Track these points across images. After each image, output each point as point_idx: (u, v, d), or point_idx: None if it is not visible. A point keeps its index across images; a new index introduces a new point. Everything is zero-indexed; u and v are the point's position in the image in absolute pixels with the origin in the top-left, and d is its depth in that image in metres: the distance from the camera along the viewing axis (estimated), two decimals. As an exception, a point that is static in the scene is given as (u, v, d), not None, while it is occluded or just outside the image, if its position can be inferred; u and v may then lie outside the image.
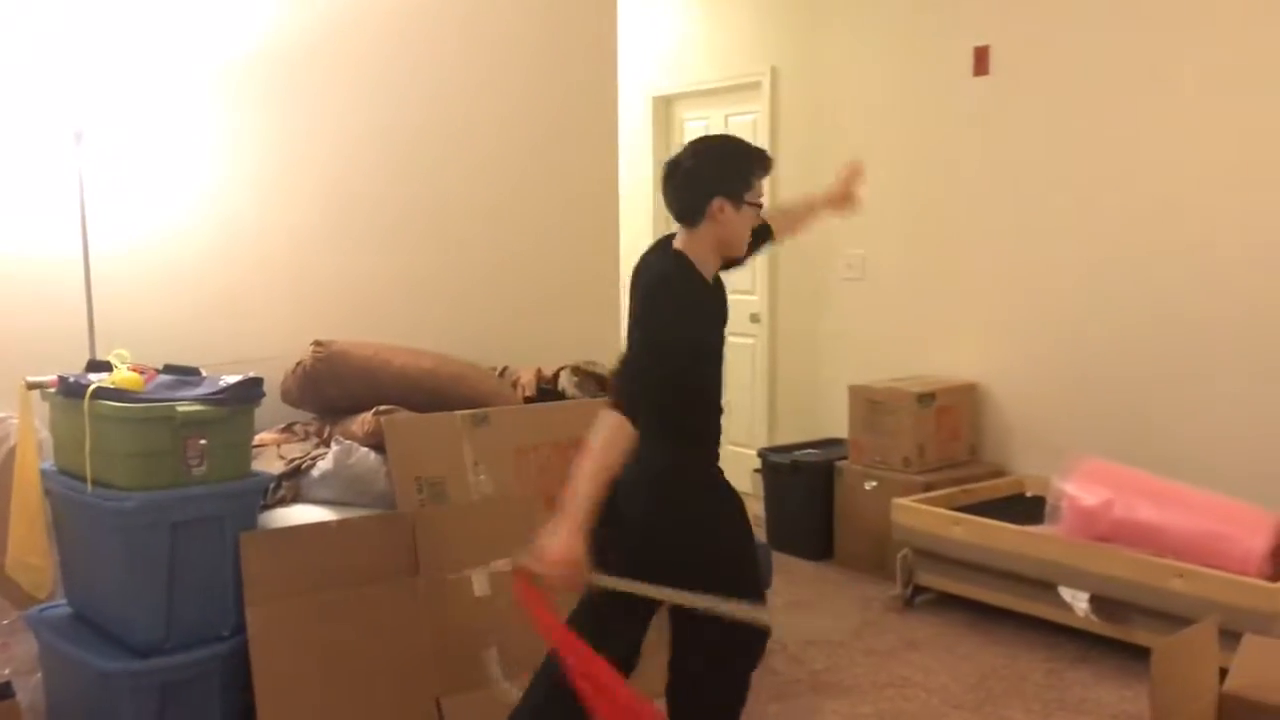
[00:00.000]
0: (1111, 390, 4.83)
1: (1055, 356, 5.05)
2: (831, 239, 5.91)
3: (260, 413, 3.29)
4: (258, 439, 3.63)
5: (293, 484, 3.60)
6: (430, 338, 4.31)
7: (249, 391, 3.17)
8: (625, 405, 2.54)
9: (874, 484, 5.10)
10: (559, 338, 4.68)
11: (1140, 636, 3.89)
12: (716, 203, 2.69)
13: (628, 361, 2.63)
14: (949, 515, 4.50)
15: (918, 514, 4.61)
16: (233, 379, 3.17)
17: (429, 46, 4.58)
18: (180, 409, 3.00)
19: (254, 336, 4.10)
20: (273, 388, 3.57)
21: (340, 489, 3.56)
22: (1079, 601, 4.05)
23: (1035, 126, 5.05)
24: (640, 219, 6.60)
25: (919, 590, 4.68)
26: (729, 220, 2.71)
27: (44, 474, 3.23)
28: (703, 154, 2.76)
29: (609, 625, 2.72)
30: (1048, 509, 4.26)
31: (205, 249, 4.08)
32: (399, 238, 4.55)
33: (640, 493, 2.77)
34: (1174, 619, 3.63)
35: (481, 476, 3.60)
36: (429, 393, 3.84)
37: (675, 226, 2.80)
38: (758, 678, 3.00)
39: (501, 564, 3.37)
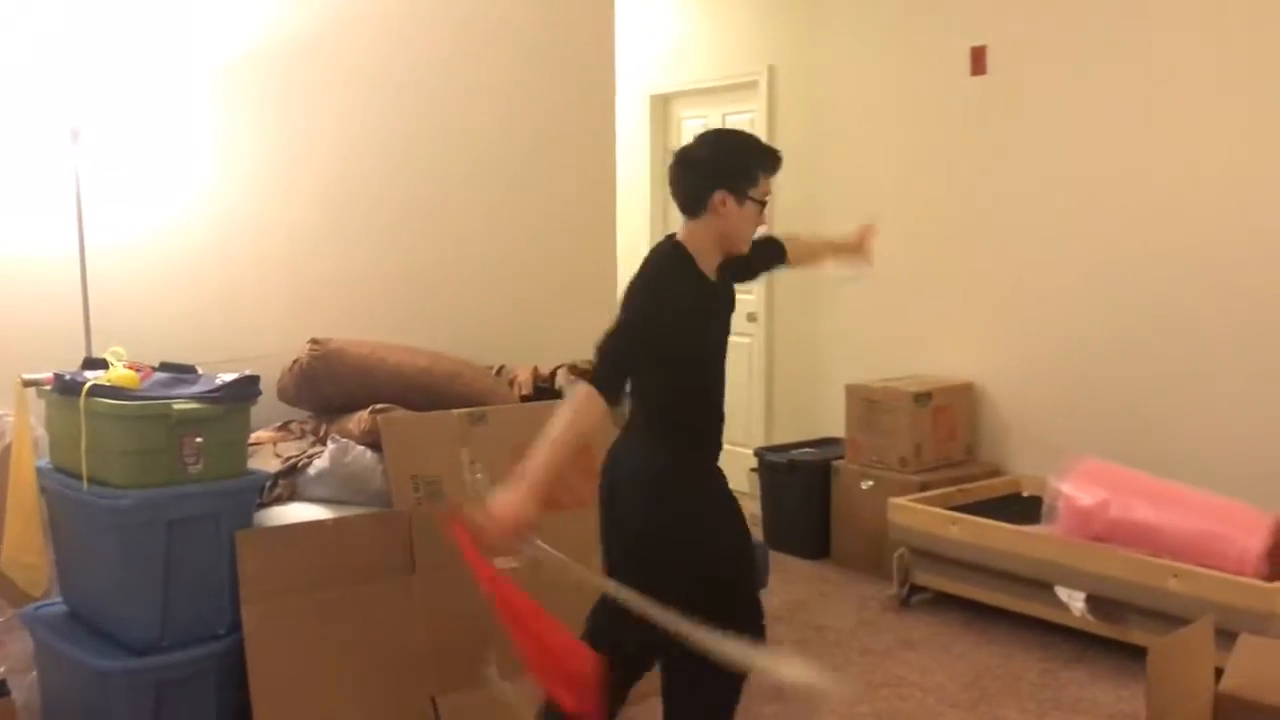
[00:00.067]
0: (1108, 390, 4.84)
1: (1052, 356, 5.05)
2: (827, 237, 5.91)
3: (256, 411, 3.29)
4: (254, 437, 3.63)
5: (289, 482, 3.59)
6: (427, 336, 4.30)
7: (245, 389, 3.17)
8: (595, 379, 2.57)
9: (871, 483, 5.10)
10: (556, 336, 4.67)
11: (1136, 636, 3.89)
12: (719, 195, 2.68)
13: (603, 338, 2.64)
14: (945, 515, 4.50)
15: (914, 513, 4.61)
16: (229, 377, 3.16)
17: (426, 45, 4.58)
18: (176, 407, 3.00)
19: (250, 334, 4.09)
20: (269, 386, 3.57)
21: (336, 487, 3.55)
22: (1075, 601, 4.05)
23: (1032, 126, 5.05)
24: (638, 218, 6.61)
25: (915, 590, 4.68)
26: (730, 214, 2.70)
27: (40, 472, 3.23)
28: (711, 145, 2.76)
29: (619, 624, 2.71)
30: (1044, 509, 4.26)
31: (202, 247, 4.07)
32: (396, 236, 4.54)
33: (641, 493, 2.77)
34: (1170, 619, 3.63)
35: (478, 475, 3.60)
36: (425, 391, 3.83)
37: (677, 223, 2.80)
38: (754, 677, 3.00)
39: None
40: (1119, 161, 4.76)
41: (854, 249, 3.34)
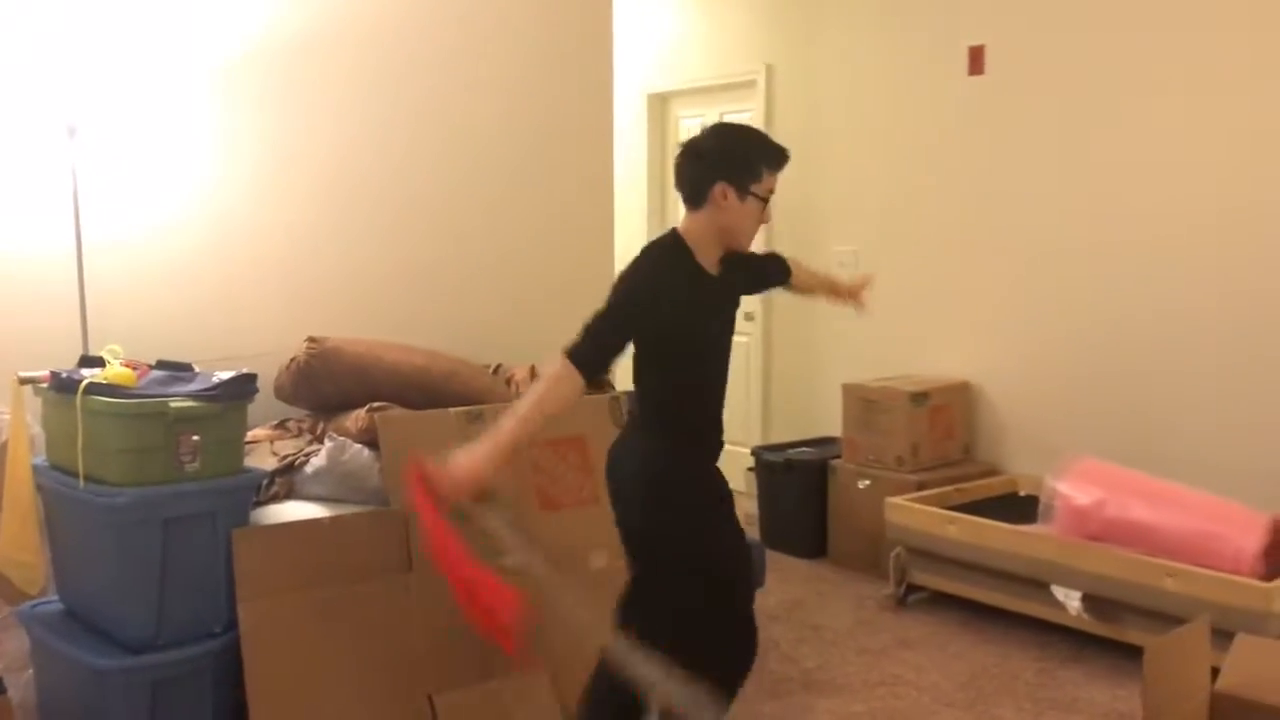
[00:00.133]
0: (1105, 389, 4.84)
1: (1049, 356, 5.06)
2: (824, 236, 5.92)
3: (253, 409, 3.28)
4: (251, 435, 3.63)
5: (286, 480, 3.59)
6: (424, 335, 4.30)
7: (242, 387, 3.16)
8: (573, 354, 2.59)
9: (867, 483, 5.11)
10: (553, 335, 4.61)
11: (1132, 636, 3.89)
12: (720, 187, 2.69)
13: (590, 318, 2.65)
14: (942, 514, 4.51)
15: (911, 513, 4.61)
16: (226, 375, 3.16)
17: (424, 43, 4.57)
18: (173, 405, 2.99)
19: (247, 332, 4.09)
20: (266, 384, 3.56)
21: (333, 486, 3.55)
22: (1071, 600, 4.05)
23: (1030, 126, 5.05)
24: (636, 217, 6.61)
25: (912, 589, 4.68)
26: (731, 207, 2.70)
27: (36, 469, 3.22)
28: (717, 137, 2.76)
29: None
30: (1041, 508, 4.26)
31: (199, 244, 4.07)
32: (393, 235, 4.54)
33: (639, 492, 2.78)
34: (1166, 618, 3.63)
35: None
36: (422, 390, 3.83)
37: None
38: (751, 677, 3.00)
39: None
40: (1117, 161, 4.76)
41: (849, 295, 3.34)
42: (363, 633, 3.22)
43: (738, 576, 2.88)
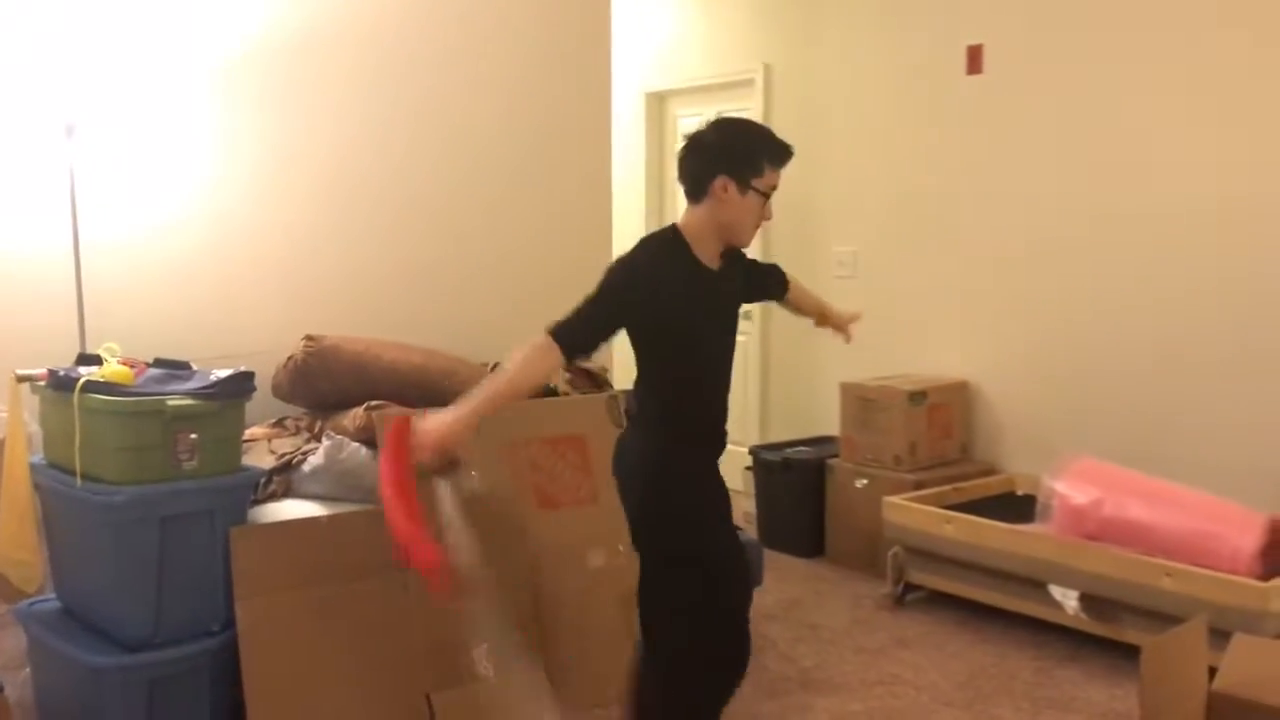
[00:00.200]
0: (1102, 389, 4.84)
1: (1047, 355, 5.06)
2: (824, 236, 5.93)
3: (251, 407, 3.28)
4: (248, 433, 3.62)
5: (283, 479, 3.59)
6: (422, 333, 4.30)
7: (240, 386, 3.16)
8: (555, 330, 2.59)
9: (865, 482, 5.11)
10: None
11: (1130, 635, 3.90)
12: (720, 181, 2.68)
13: (579, 302, 2.66)
14: (940, 513, 4.51)
15: (909, 512, 4.61)
16: (224, 373, 3.16)
17: (423, 43, 4.57)
18: (170, 403, 2.99)
19: (245, 331, 4.09)
20: (264, 382, 3.56)
21: (331, 484, 3.55)
22: (1069, 600, 4.05)
23: (1028, 126, 5.06)
24: (634, 215, 6.60)
25: (910, 588, 4.68)
26: (731, 201, 2.69)
27: (33, 468, 3.22)
28: (720, 130, 2.75)
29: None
30: (1038, 507, 4.26)
31: (197, 243, 4.07)
32: (391, 234, 4.54)
33: (636, 488, 2.78)
34: (1163, 617, 3.64)
35: (473, 473, 3.59)
36: (420, 388, 3.83)
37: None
38: (748, 676, 3.00)
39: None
40: (1115, 160, 4.76)
41: (837, 325, 3.33)
42: (360, 631, 3.22)
43: (732, 576, 2.87)
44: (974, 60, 5.23)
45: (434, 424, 2.57)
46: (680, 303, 2.68)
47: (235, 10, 4.08)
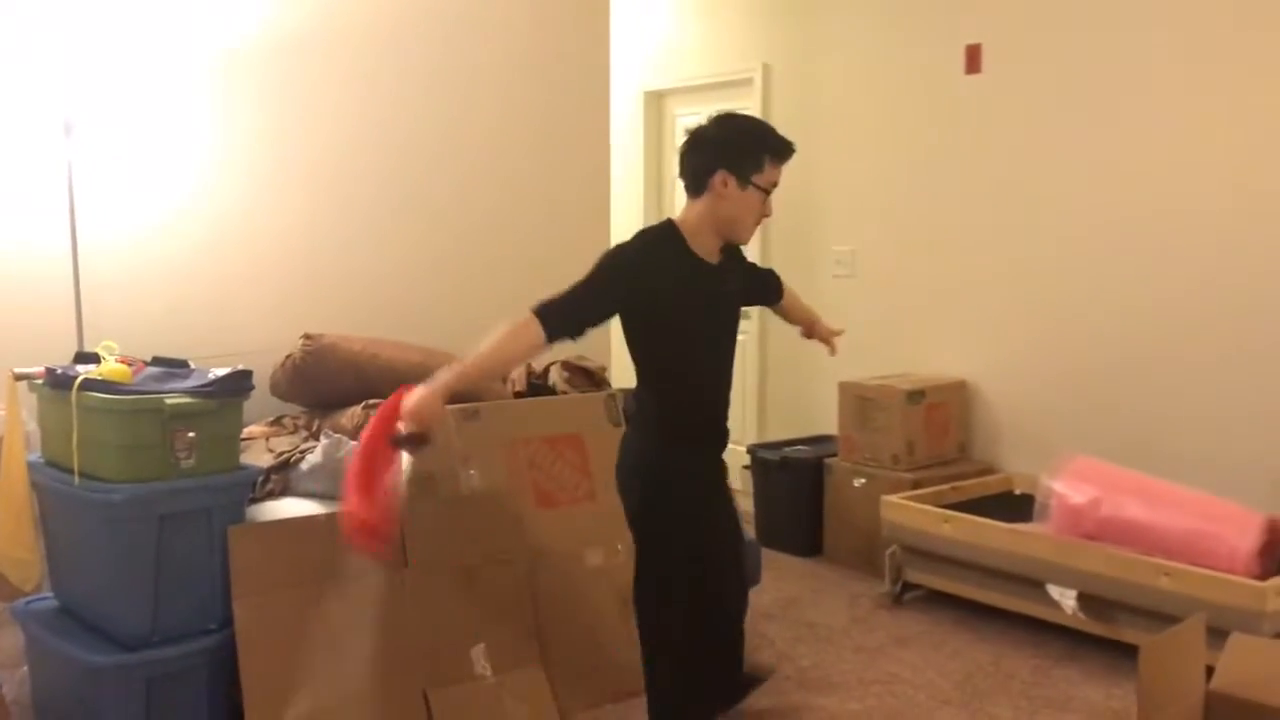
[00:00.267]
0: (1101, 388, 4.84)
1: (1045, 354, 5.06)
2: (822, 235, 5.93)
3: (249, 406, 3.28)
4: (246, 432, 3.62)
5: (281, 477, 3.59)
6: (420, 332, 4.30)
7: (238, 384, 3.16)
8: (540, 309, 2.61)
9: (863, 481, 5.11)
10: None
11: (1127, 634, 3.90)
12: (720, 175, 2.67)
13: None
14: (938, 512, 4.51)
15: (907, 511, 4.61)
16: (222, 371, 3.16)
17: (422, 41, 4.57)
18: (168, 401, 2.99)
19: (243, 329, 4.09)
20: (262, 381, 3.56)
21: (329, 482, 3.55)
22: (1067, 599, 4.05)
23: (1026, 125, 5.06)
24: (632, 214, 6.60)
25: (908, 587, 4.68)
26: (730, 196, 2.68)
27: (31, 466, 3.22)
28: (721, 125, 2.75)
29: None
30: (1036, 507, 4.26)
31: (195, 241, 4.07)
32: (389, 232, 4.54)
33: (636, 485, 2.78)
34: (1161, 617, 3.64)
35: (471, 471, 3.60)
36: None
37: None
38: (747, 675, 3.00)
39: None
40: (1114, 159, 4.76)
41: (823, 337, 3.33)
42: (358, 629, 3.21)
43: (729, 576, 2.87)
44: (972, 60, 5.23)
45: (413, 398, 2.59)
46: (675, 293, 2.68)
47: (233, 9, 4.08)
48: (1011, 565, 4.23)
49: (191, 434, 3.03)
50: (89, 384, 2.96)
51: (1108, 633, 4.00)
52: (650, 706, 2.86)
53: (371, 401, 3.67)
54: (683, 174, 2.76)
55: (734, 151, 2.68)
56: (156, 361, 3.24)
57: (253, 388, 3.22)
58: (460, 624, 3.37)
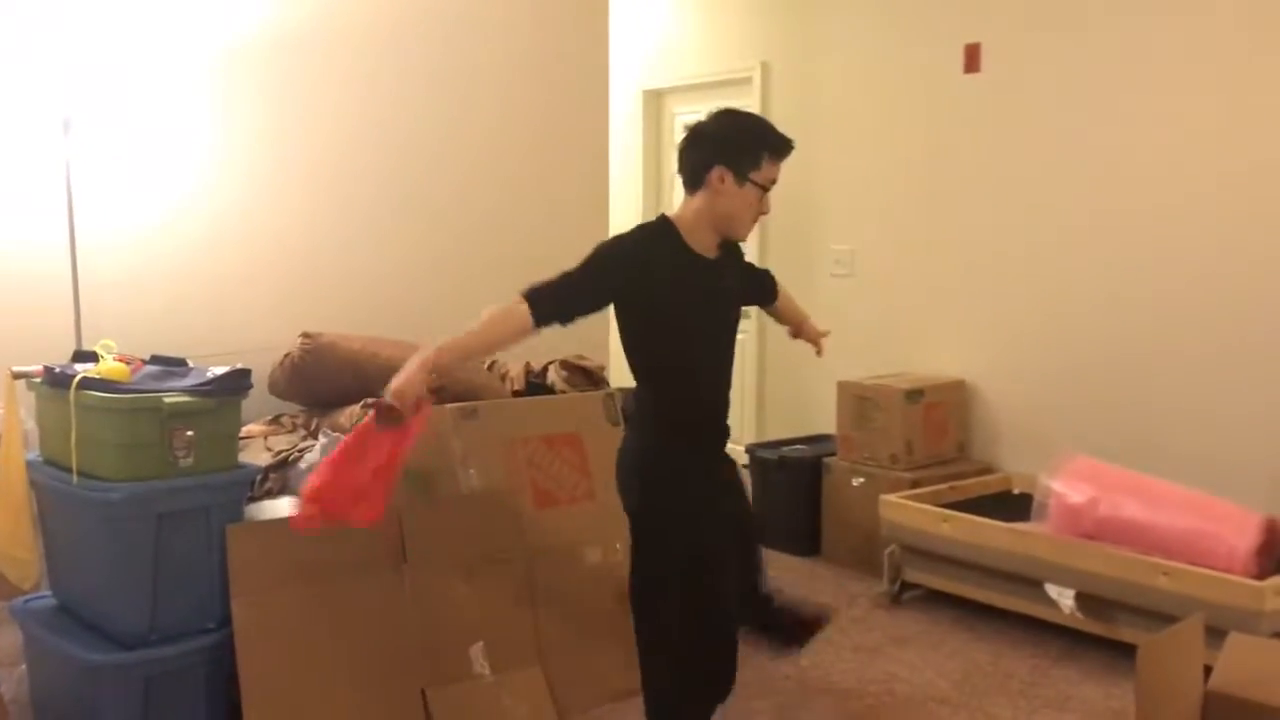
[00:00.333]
0: (1100, 388, 4.85)
1: (1044, 354, 5.06)
2: (821, 235, 5.93)
3: (248, 404, 3.28)
4: (245, 431, 3.62)
5: (280, 476, 3.58)
6: (419, 331, 4.27)
7: (236, 383, 3.16)
8: (529, 292, 2.62)
9: (862, 480, 5.11)
10: (547, 332, 4.65)
11: (1126, 634, 3.90)
12: (717, 171, 2.67)
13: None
14: (936, 512, 4.51)
15: (905, 510, 4.61)
16: (220, 370, 3.15)
17: (421, 41, 4.57)
18: (167, 400, 2.99)
19: (242, 328, 4.08)
20: (260, 379, 3.56)
21: (327, 481, 3.54)
22: (1065, 598, 4.06)
23: (1025, 124, 5.06)
24: (630, 213, 6.60)
25: (906, 586, 4.68)
26: (727, 192, 2.68)
27: (29, 465, 3.21)
28: (720, 120, 2.74)
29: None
30: (1035, 506, 4.26)
31: (194, 240, 4.06)
32: (388, 231, 4.54)
33: (633, 480, 2.78)
34: (1160, 616, 3.64)
35: (470, 470, 3.59)
36: (417, 385, 3.82)
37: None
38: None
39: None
40: (1113, 159, 4.77)
41: (811, 338, 3.32)
42: (356, 628, 3.22)
43: (726, 575, 2.87)
44: (971, 59, 5.23)
45: (399, 378, 2.61)
46: (671, 287, 2.67)
47: (233, 8, 4.08)
48: (1010, 565, 4.23)
49: (190, 433, 3.03)
50: (87, 382, 2.96)
51: (1106, 632, 4.00)
52: (646, 705, 2.85)
53: (370, 400, 3.66)
54: (681, 169, 2.76)
55: (732, 147, 2.67)
56: (155, 360, 3.23)
57: (251, 386, 3.22)
58: (459, 623, 3.37)
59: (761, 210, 2.74)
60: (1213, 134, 4.45)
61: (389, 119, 4.50)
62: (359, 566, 3.26)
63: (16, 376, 3.20)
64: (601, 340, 4.49)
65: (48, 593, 3.34)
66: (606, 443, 3.30)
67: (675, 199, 2.85)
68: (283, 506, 3.45)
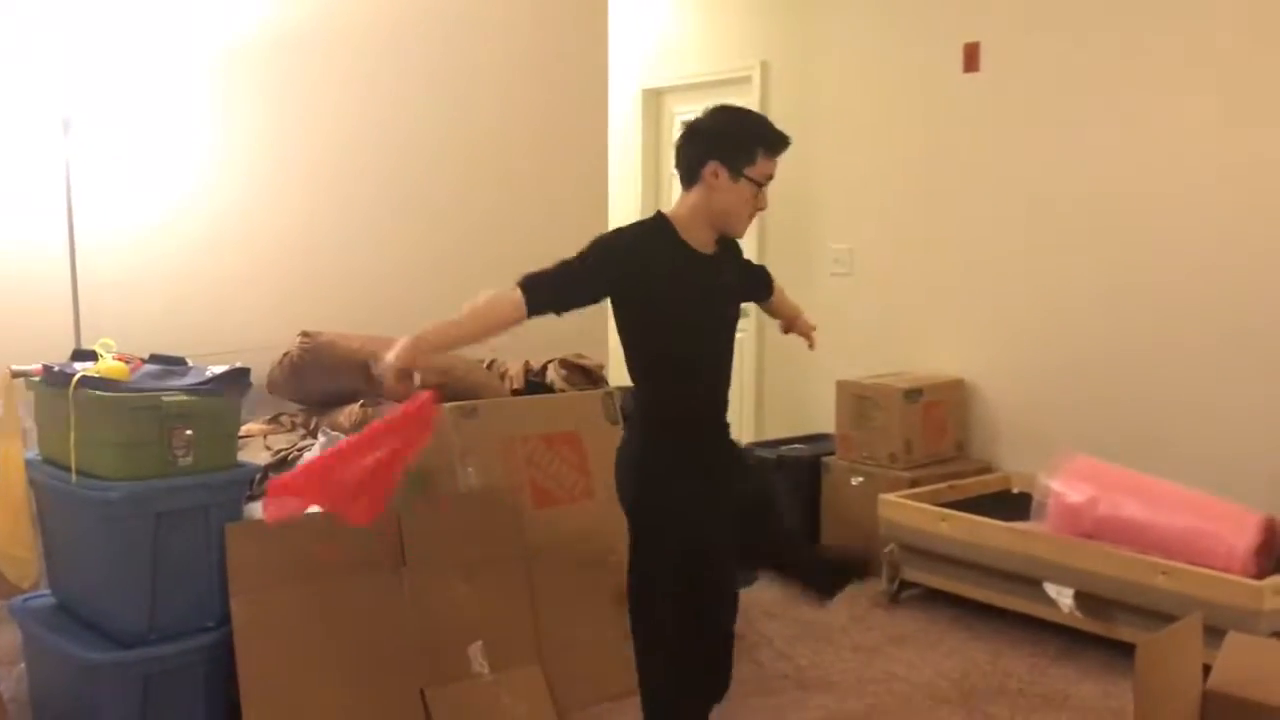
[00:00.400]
0: (1099, 387, 4.85)
1: (1043, 353, 5.06)
2: (820, 233, 5.92)
3: (247, 404, 3.28)
4: (244, 430, 3.62)
5: (279, 475, 3.58)
6: (418, 330, 4.29)
7: (236, 382, 3.16)
8: (523, 280, 2.64)
9: (861, 479, 5.11)
10: (546, 331, 4.63)
11: (1124, 633, 3.90)
12: (712, 166, 2.67)
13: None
14: (935, 511, 4.51)
15: (904, 510, 4.61)
16: (219, 369, 3.16)
17: (419, 40, 4.57)
18: (166, 399, 2.99)
19: (241, 327, 4.08)
20: (259, 378, 3.56)
21: (327, 480, 3.54)
22: (1064, 598, 4.06)
23: (1024, 123, 5.06)
24: (629, 212, 6.58)
25: (905, 585, 4.68)
26: (722, 188, 2.68)
27: (28, 464, 3.21)
28: (715, 117, 2.75)
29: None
30: (1034, 505, 4.26)
31: (193, 239, 4.06)
32: (387, 230, 4.54)
33: (631, 477, 2.78)
34: (1158, 616, 3.64)
35: (469, 469, 3.60)
36: (416, 385, 3.83)
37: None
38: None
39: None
40: (1112, 158, 4.76)
41: (803, 333, 3.33)
42: (355, 627, 3.22)
43: (722, 573, 2.87)
44: (970, 58, 5.23)
45: (390, 354, 2.65)
46: (668, 282, 2.67)
47: (233, 8, 4.07)
48: (1009, 564, 4.23)
49: (189, 431, 3.03)
50: (87, 381, 2.96)
51: (1105, 631, 4.00)
52: (643, 703, 2.85)
53: (369, 400, 3.67)
54: (678, 165, 2.77)
55: (726, 143, 2.68)
56: (154, 359, 3.23)
57: (250, 385, 3.22)
58: (458, 622, 3.37)
59: (758, 206, 2.74)
60: (1211, 133, 4.45)
61: (389, 119, 4.50)
62: (358, 565, 3.26)
63: (15, 375, 3.20)
64: (600, 339, 4.49)
65: (47, 591, 3.34)
66: (606, 442, 3.30)
67: (674, 197, 2.85)
68: (282, 505, 3.45)
